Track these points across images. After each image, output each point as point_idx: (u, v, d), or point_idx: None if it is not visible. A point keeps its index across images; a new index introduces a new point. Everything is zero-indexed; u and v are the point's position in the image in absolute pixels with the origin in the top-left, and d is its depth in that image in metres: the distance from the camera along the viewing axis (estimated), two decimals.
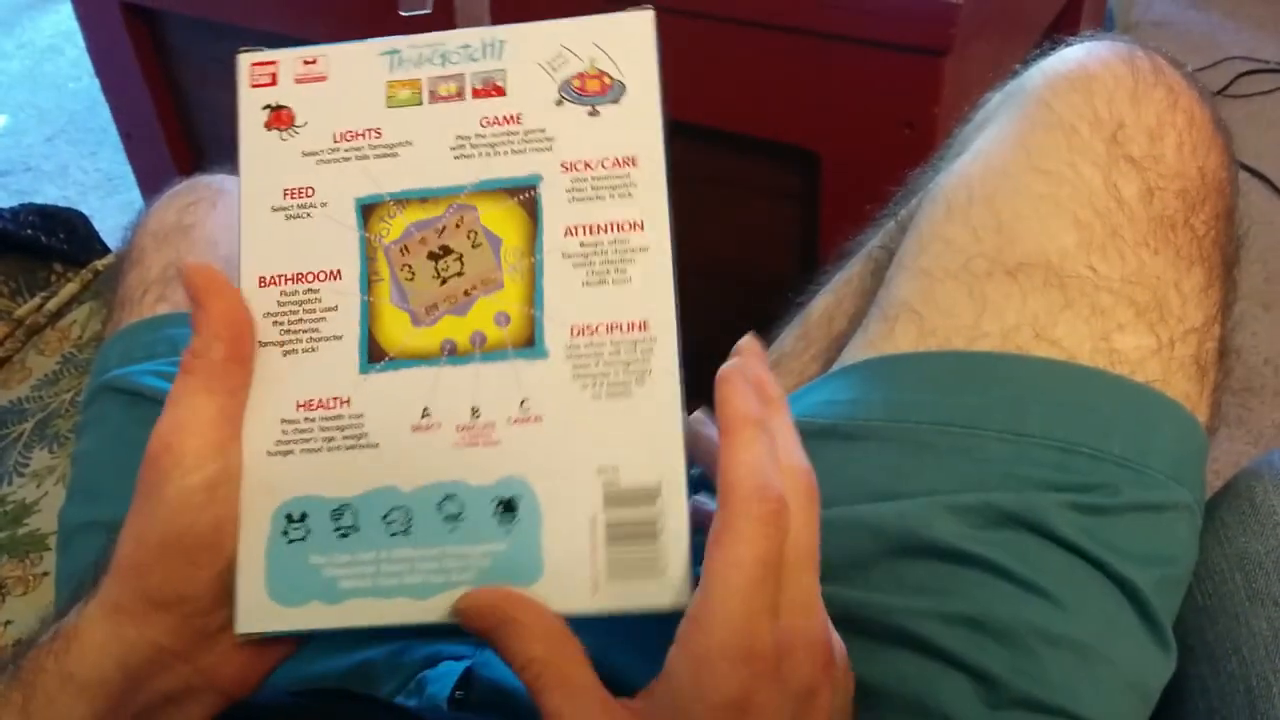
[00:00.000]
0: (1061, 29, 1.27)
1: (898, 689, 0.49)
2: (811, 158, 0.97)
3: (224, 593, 0.40)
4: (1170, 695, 0.52)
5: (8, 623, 0.89)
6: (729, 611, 0.35)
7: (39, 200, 1.38)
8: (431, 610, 0.40)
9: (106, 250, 1.20)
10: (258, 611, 0.40)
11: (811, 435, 0.53)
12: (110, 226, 1.19)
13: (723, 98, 0.95)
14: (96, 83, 1.41)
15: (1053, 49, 0.59)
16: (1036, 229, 0.53)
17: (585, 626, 0.39)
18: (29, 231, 1.13)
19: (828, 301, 0.69)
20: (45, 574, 0.91)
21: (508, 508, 0.40)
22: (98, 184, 1.85)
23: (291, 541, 0.41)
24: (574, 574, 0.39)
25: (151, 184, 1.44)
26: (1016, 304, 0.52)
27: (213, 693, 0.41)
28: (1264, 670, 0.51)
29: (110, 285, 0.72)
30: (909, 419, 0.52)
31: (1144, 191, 0.53)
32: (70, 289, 1.13)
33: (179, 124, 1.39)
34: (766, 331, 0.72)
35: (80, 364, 1.08)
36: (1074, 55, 0.57)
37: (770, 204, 1.03)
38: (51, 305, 1.11)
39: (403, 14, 0.45)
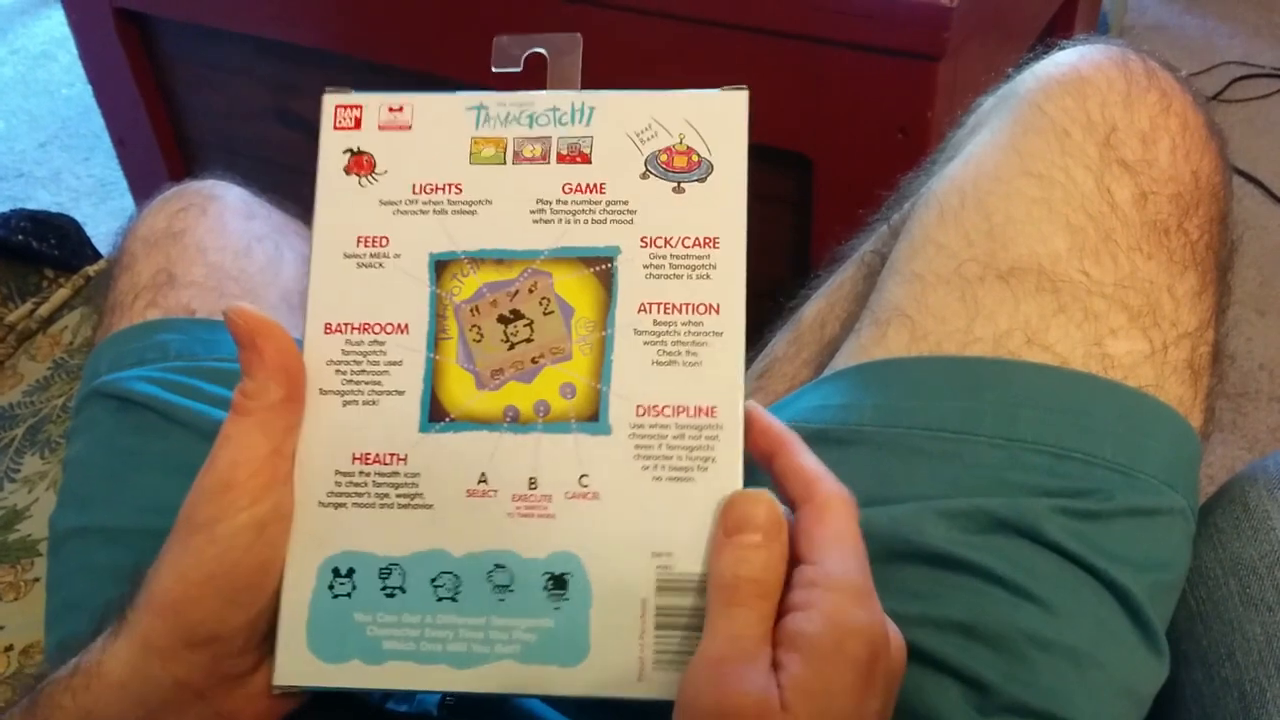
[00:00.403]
0: (1056, 33, 1.27)
1: None
2: (804, 162, 0.96)
3: (256, 636, 0.40)
4: (1163, 701, 0.52)
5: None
6: (852, 577, 0.36)
7: (32, 206, 1.38)
8: (470, 681, 0.40)
9: (98, 256, 1.20)
10: (298, 665, 0.40)
11: (803, 440, 0.53)
12: (103, 232, 1.19)
13: None
14: (89, 89, 1.40)
15: (1046, 52, 0.59)
16: (1029, 233, 0.53)
17: None
18: (20, 237, 1.13)
19: (820, 306, 0.69)
20: (36, 580, 0.90)
21: (558, 584, 0.40)
22: (90, 190, 1.85)
23: (336, 596, 0.40)
24: (620, 657, 0.39)
25: (144, 190, 1.43)
26: (1009, 308, 0.52)
27: None
28: (1258, 676, 0.51)
29: (101, 291, 0.72)
30: (900, 424, 0.52)
31: (1137, 195, 0.53)
32: (62, 295, 1.12)
33: (171, 130, 1.38)
34: (758, 336, 0.72)
35: (71, 369, 1.08)
36: (1067, 59, 0.57)
37: (763, 208, 1.02)
38: (43, 311, 1.11)
39: (495, 71, 0.45)
